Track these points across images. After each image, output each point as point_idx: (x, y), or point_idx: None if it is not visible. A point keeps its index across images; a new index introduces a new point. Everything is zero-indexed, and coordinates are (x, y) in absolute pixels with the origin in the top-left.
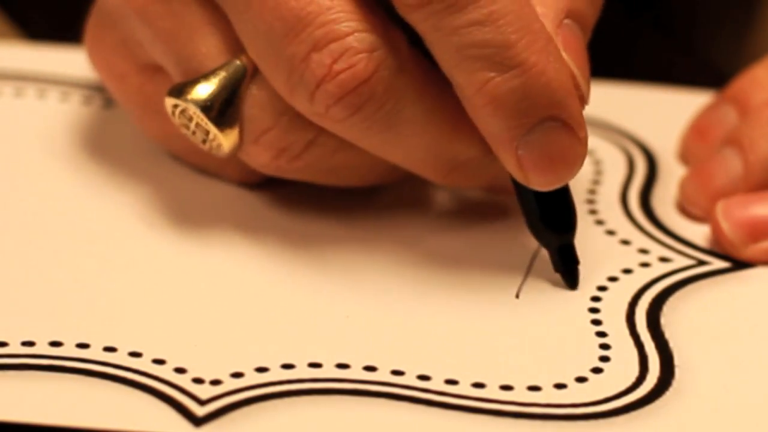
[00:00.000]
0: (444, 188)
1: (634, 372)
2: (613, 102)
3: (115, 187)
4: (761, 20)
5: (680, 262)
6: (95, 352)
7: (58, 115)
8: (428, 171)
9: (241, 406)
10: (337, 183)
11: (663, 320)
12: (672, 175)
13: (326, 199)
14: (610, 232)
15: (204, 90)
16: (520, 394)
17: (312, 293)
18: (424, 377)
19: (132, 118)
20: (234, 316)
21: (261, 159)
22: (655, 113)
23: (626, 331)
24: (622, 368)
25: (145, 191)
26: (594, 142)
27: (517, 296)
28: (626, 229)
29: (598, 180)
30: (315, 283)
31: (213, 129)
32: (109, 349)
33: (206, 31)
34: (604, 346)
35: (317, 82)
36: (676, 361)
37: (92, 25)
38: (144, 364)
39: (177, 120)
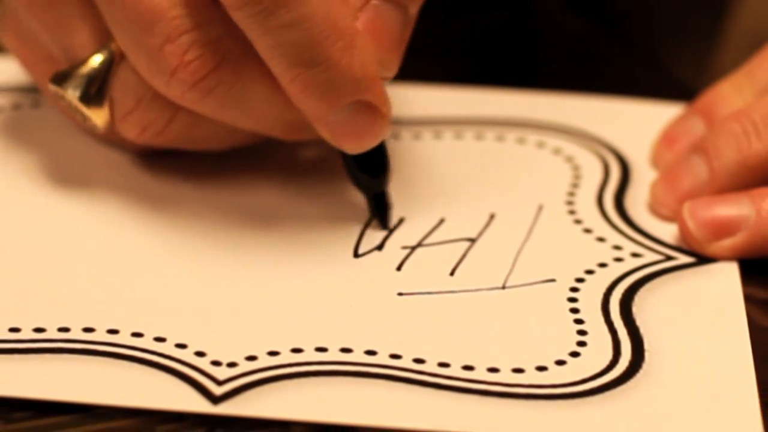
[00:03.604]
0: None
1: (608, 356)
2: (590, 113)
3: (127, 185)
4: (722, 39)
5: (650, 257)
6: (124, 337)
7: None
8: (276, 132)
9: (254, 386)
10: (206, 148)
11: (634, 309)
12: (644, 179)
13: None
14: (587, 231)
15: (75, 77)
16: (506, 376)
17: (318, 284)
18: (419, 360)
19: (49, 102)
20: (249, 305)
21: (130, 134)
22: (629, 123)
23: (601, 319)
24: (598, 352)
25: (150, 189)
26: (573, 149)
27: (505, 288)
28: (602, 228)
29: (577, 184)
30: (320, 276)
31: (85, 111)
32: (137, 335)
33: (81, 22)
34: (582, 332)
35: (171, 71)
36: (646, 346)
37: (2, 19)
38: (168, 348)
39: (61, 104)
